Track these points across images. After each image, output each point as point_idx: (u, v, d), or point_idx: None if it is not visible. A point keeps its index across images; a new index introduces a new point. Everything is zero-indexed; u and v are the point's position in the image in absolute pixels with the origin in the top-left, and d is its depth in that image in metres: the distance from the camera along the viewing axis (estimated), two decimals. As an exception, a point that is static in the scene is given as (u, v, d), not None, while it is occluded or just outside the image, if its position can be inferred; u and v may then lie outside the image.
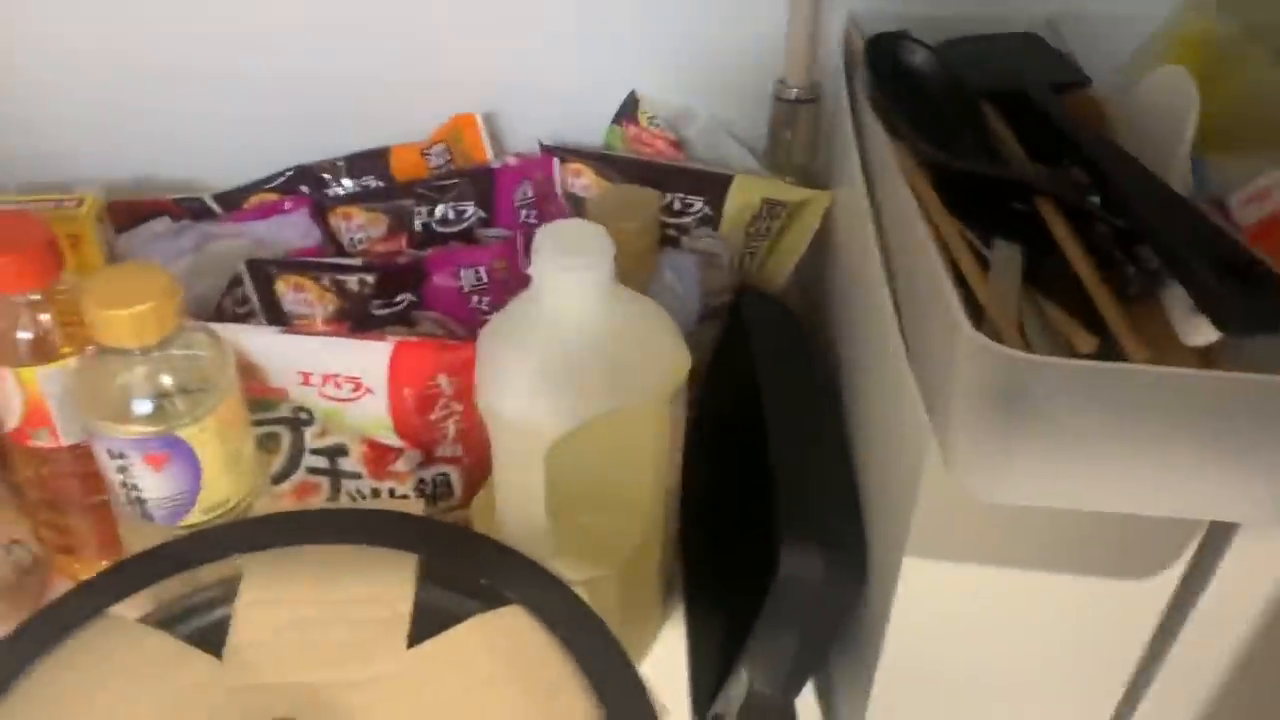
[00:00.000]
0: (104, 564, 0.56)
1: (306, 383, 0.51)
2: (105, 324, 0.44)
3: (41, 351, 0.49)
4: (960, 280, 0.37)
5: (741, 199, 0.58)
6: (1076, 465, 0.30)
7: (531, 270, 0.42)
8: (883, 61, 0.47)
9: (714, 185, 0.59)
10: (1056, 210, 0.38)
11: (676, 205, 0.58)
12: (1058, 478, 0.31)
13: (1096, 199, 0.39)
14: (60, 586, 0.58)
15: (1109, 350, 0.34)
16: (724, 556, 0.58)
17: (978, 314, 0.35)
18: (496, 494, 0.47)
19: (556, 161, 0.61)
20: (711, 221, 0.59)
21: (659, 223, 0.53)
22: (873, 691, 0.44)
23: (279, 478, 0.54)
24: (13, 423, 0.50)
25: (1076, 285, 0.37)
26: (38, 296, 0.48)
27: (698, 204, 0.59)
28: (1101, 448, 0.30)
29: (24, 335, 0.48)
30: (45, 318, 0.49)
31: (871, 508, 0.45)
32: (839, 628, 0.46)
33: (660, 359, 0.45)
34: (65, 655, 0.40)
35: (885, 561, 0.42)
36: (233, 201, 0.62)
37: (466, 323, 0.57)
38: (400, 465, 0.53)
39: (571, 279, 0.41)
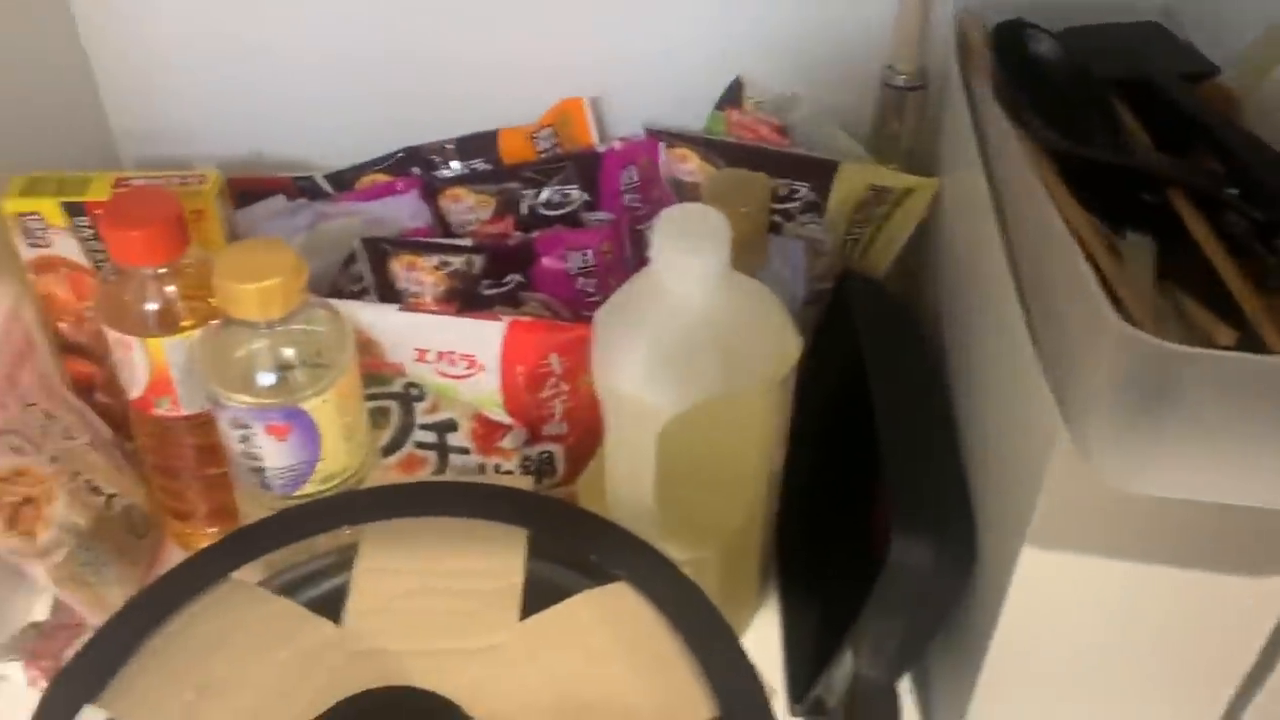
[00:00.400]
0: (213, 531, 0.59)
1: (422, 359, 0.52)
2: (234, 297, 0.46)
3: (166, 323, 0.51)
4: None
5: (848, 185, 0.58)
6: (1220, 457, 0.30)
7: (651, 253, 0.43)
8: (1007, 49, 0.47)
9: (820, 171, 0.59)
10: (1189, 201, 0.37)
11: (782, 191, 0.58)
12: (1200, 469, 0.30)
13: (1234, 190, 0.38)
14: (171, 550, 0.60)
15: (1248, 343, 0.33)
16: (821, 539, 0.58)
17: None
18: (607, 472, 0.48)
19: (662, 146, 0.61)
20: (817, 207, 0.59)
21: (770, 207, 0.53)
22: (979, 681, 0.44)
23: (387, 451, 0.56)
24: (137, 391, 0.52)
25: (1210, 277, 0.36)
26: (165, 269, 0.50)
27: (803, 190, 0.59)
28: (1246, 440, 0.29)
29: (151, 307, 0.50)
30: (171, 290, 0.50)
31: (984, 496, 0.45)
32: (946, 615, 0.46)
33: (772, 343, 0.45)
34: (191, 617, 0.41)
35: (1000, 550, 0.41)
36: (344, 181, 0.64)
37: (572, 304, 0.57)
38: (507, 442, 0.54)
39: (691, 262, 0.42)
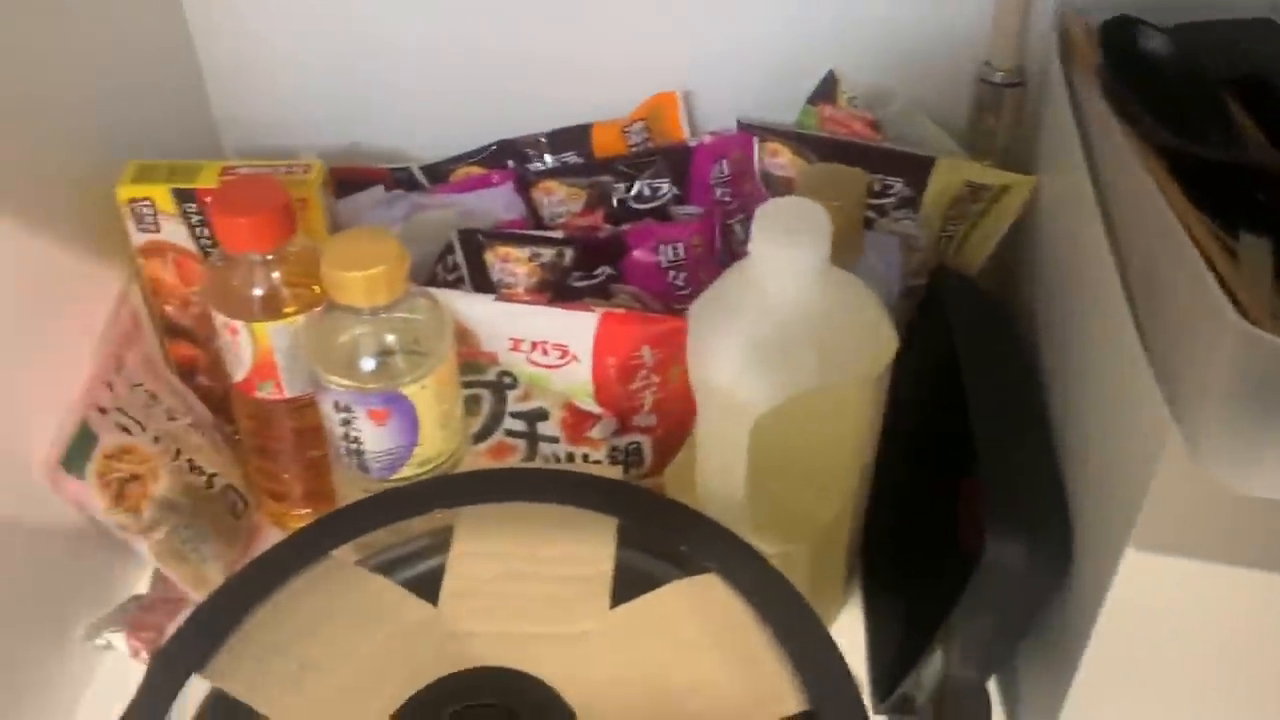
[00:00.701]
0: (307, 512, 0.60)
1: (516, 349, 0.53)
2: (340, 283, 0.47)
3: (272, 308, 0.52)
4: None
5: (943, 181, 0.58)
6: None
7: (749, 246, 0.43)
8: (1116, 46, 0.46)
9: (916, 167, 0.58)
10: (1309, 200, 0.36)
11: (876, 186, 0.58)
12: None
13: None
14: (266, 531, 0.62)
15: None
16: (908, 535, 0.57)
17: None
18: (698, 464, 0.48)
19: (755, 140, 0.62)
20: (912, 203, 0.58)
21: (865, 202, 0.53)
22: (1074, 683, 0.44)
23: (478, 438, 0.57)
24: (241, 374, 0.54)
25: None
26: (271, 256, 0.51)
27: (898, 185, 0.58)
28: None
29: (257, 292, 0.52)
30: (276, 275, 0.52)
31: (1082, 494, 0.44)
32: (1039, 615, 0.45)
33: (868, 339, 0.45)
34: (293, 593, 0.42)
35: (1099, 551, 0.41)
36: (439, 173, 0.65)
37: (662, 297, 0.58)
38: (596, 432, 0.55)
39: (790, 256, 0.42)
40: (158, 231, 0.55)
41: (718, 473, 0.48)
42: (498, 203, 0.61)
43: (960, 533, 0.53)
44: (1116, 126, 0.43)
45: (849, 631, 0.56)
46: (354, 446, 0.51)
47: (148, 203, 0.54)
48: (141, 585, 0.58)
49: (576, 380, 0.53)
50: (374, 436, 0.50)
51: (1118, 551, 0.39)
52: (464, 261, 0.57)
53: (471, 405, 0.56)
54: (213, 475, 0.59)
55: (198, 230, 0.55)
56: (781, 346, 0.43)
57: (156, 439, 0.56)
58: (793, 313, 0.43)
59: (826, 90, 0.63)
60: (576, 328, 0.52)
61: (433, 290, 0.51)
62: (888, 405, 0.50)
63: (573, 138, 0.65)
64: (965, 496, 0.53)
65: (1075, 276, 0.48)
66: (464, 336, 0.53)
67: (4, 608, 0.49)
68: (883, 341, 0.46)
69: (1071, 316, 0.48)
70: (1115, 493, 0.40)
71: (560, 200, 0.63)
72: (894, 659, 0.53)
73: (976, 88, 0.61)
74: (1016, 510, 0.44)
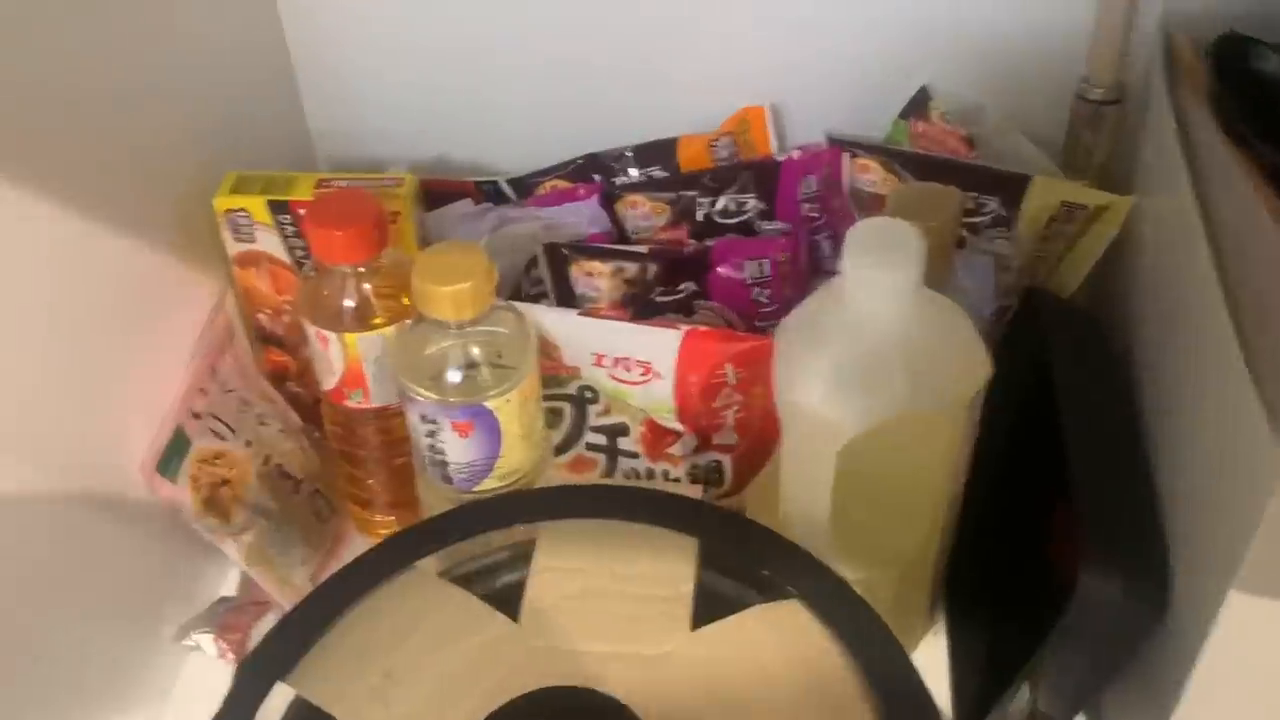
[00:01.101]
0: (391, 519, 0.61)
1: (599, 364, 0.53)
2: (429, 298, 0.48)
3: (362, 319, 0.53)
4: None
5: (1040, 201, 0.56)
6: None
7: (840, 265, 0.42)
8: (1228, 65, 0.44)
9: (1011, 185, 0.57)
10: None
11: (969, 205, 0.57)
12: None
13: None
14: (351, 536, 0.63)
15: None
16: (993, 565, 0.56)
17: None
18: (781, 485, 0.48)
19: (845, 156, 0.61)
20: (1006, 223, 0.57)
21: (959, 222, 0.52)
22: (1168, 727, 0.42)
23: (559, 450, 0.57)
24: (331, 383, 0.55)
25: None
26: (363, 268, 0.52)
27: (992, 204, 0.57)
28: None
29: (348, 303, 0.52)
30: (367, 287, 0.53)
31: (1183, 532, 0.42)
32: (1133, 654, 0.44)
33: (962, 364, 0.44)
34: (377, 603, 0.43)
35: (1201, 591, 0.39)
36: (525, 186, 0.65)
37: (746, 314, 0.57)
38: (676, 449, 0.54)
39: (882, 278, 0.41)
40: (253, 242, 0.57)
41: (801, 495, 0.47)
42: (583, 216, 0.61)
43: (1051, 563, 0.52)
44: (1225, 148, 0.42)
45: (932, 661, 0.55)
46: (438, 458, 0.51)
47: (244, 213, 0.55)
48: (229, 587, 0.59)
49: (658, 397, 0.52)
50: (458, 448, 0.50)
51: (1221, 592, 0.37)
52: (549, 275, 0.58)
53: (553, 418, 0.56)
54: (300, 480, 0.60)
55: (291, 241, 0.56)
56: (872, 370, 0.42)
57: (248, 444, 0.57)
58: (884, 336, 0.42)
59: (919, 105, 0.62)
60: (659, 344, 0.51)
61: (518, 304, 0.51)
62: (981, 422, 0.49)
63: (658, 151, 0.65)
64: (1057, 526, 0.52)
65: (1178, 303, 0.46)
66: (547, 350, 0.53)
67: (99, 605, 0.51)
68: (976, 366, 0.45)
69: (1173, 344, 0.47)
70: (1219, 530, 0.38)
71: (645, 214, 0.63)
72: (978, 692, 0.52)
73: (1074, 104, 0.59)
74: (1113, 543, 0.43)
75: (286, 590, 0.57)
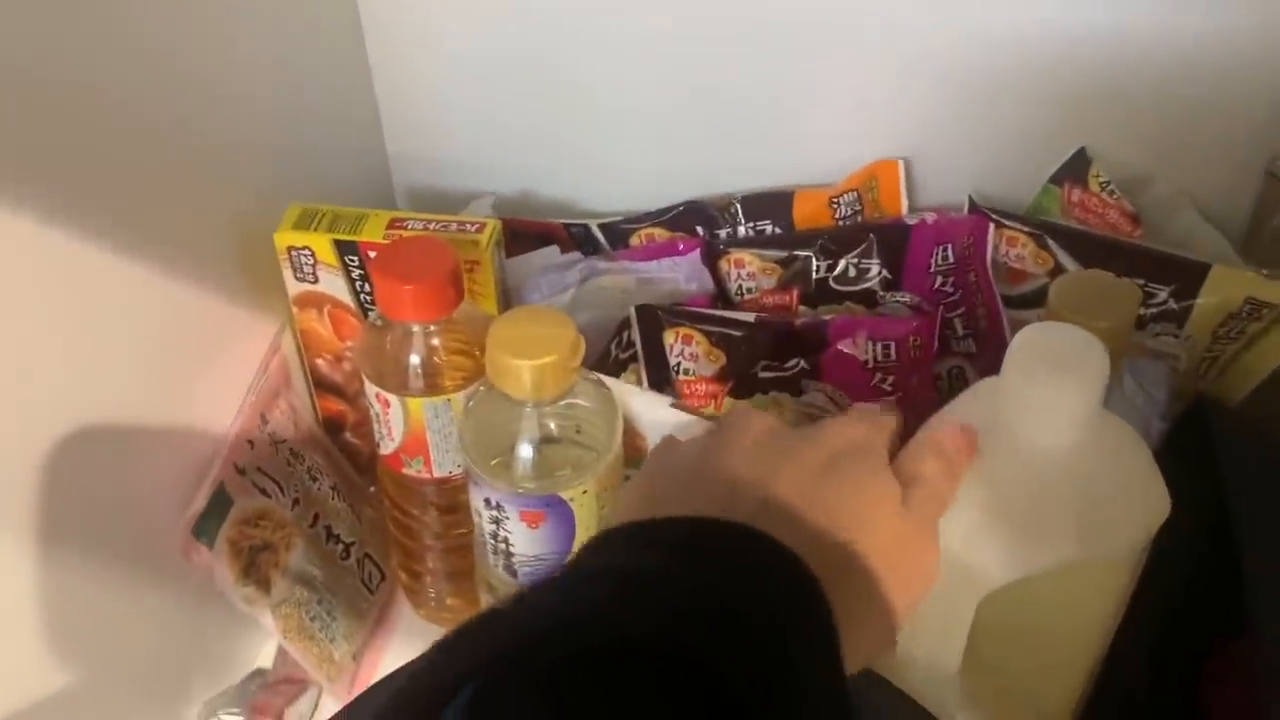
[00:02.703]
0: (449, 594, 0.55)
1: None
2: (506, 372, 0.41)
3: (427, 381, 0.47)
4: None
5: (1220, 294, 0.48)
6: None
7: (1002, 379, 0.35)
8: None
9: (1186, 274, 0.49)
10: None
11: (1133, 294, 0.49)
12: None
13: None
14: (401, 607, 0.57)
15: None
16: (1139, 710, 0.48)
17: None
18: (907, 630, 0.41)
19: (991, 226, 0.53)
20: (1175, 317, 0.49)
21: (1134, 325, 0.44)
22: None
23: (637, 540, 0.50)
24: (389, 448, 0.49)
25: None
26: (433, 326, 0.46)
27: (1162, 294, 0.49)
28: None
29: (414, 361, 0.47)
30: (436, 343, 0.47)
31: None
32: None
33: (1137, 503, 0.37)
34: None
35: None
36: (618, 233, 0.59)
37: (863, 400, 0.50)
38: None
39: (1057, 402, 0.34)
40: (315, 282, 0.51)
41: (931, 637, 0.40)
42: (680, 273, 0.55)
43: (1208, 710, 0.44)
44: None
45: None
46: (502, 547, 0.45)
47: (307, 252, 0.50)
48: (263, 659, 0.54)
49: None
50: (526, 540, 0.44)
51: None
52: (640, 340, 0.51)
53: (634, 503, 0.50)
54: (350, 544, 0.54)
55: (358, 284, 0.50)
56: (1032, 509, 0.35)
57: (295, 502, 0.52)
58: (1051, 468, 0.35)
59: (1075, 170, 0.54)
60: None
61: (605, 379, 0.45)
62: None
63: (771, 204, 0.58)
64: (1218, 668, 0.44)
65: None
66: (630, 434, 0.47)
67: (120, 676, 0.46)
68: (1152, 505, 0.37)
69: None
70: None
71: (751, 274, 0.56)
72: None
73: (1264, 183, 0.51)
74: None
75: (327, 668, 0.52)
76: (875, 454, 0.34)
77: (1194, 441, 0.48)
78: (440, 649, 0.27)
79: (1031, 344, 0.35)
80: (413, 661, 0.28)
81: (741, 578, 0.29)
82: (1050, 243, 0.52)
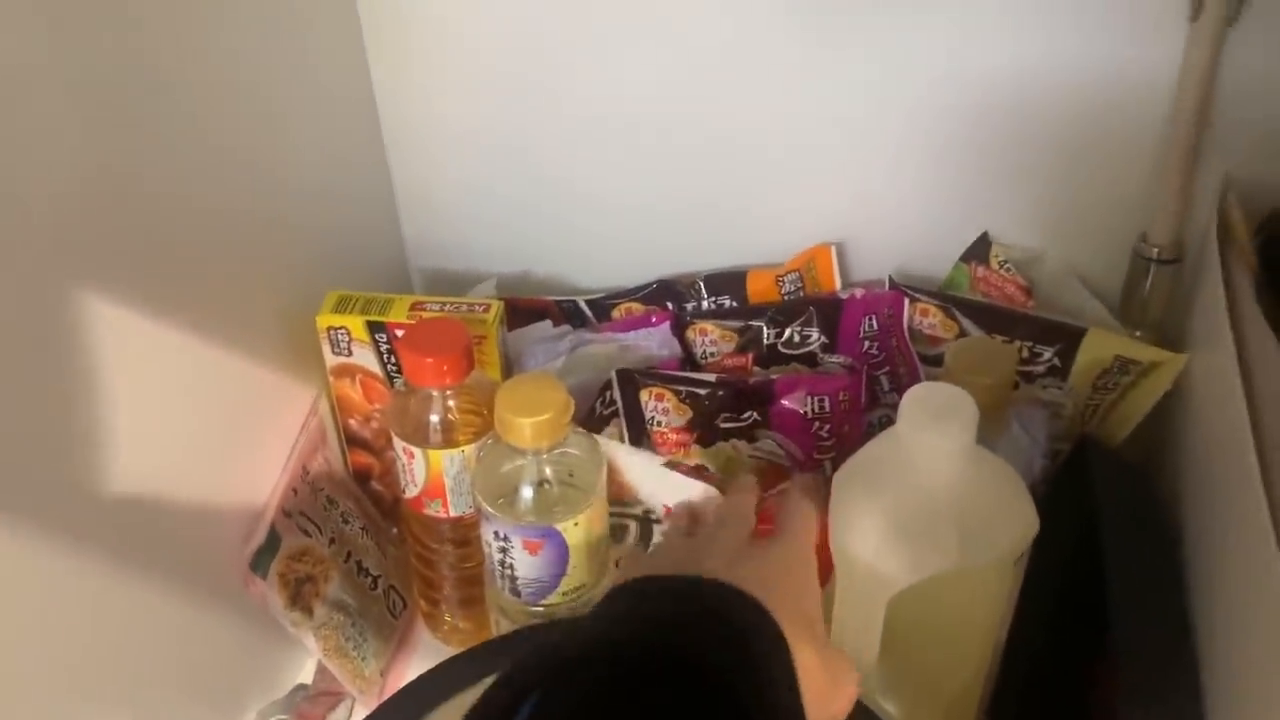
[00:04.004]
0: (461, 619, 0.64)
1: (666, 515, 0.56)
2: (510, 427, 0.51)
3: (445, 436, 0.56)
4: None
5: (1094, 353, 0.58)
6: None
7: (897, 426, 0.45)
8: (1271, 250, 0.47)
9: (1066, 337, 0.59)
10: None
11: (1025, 353, 0.59)
12: None
13: None
14: (418, 631, 0.66)
15: None
16: (1038, 706, 0.57)
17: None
18: (834, 623, 0.50)
19: (906, 300, 0.64)
20: (1059, 372, 0.59)
21: (1014, 379, 0.54)
22: None
23: (621, 565, 0.60)
24: (413, 492, 0.58)
25: None
26: (450, 390, 0.56)
27: (1047, 353, 0.59)
28: None
29: (434, 419, 0.56)
30: (452, 404, 0.56)
31: (1218, 695, 0.44)
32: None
33: (1010, 521, 0.47)
34: (446, 714, 0.46)
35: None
36: (602, 307, 0.69)
37: (804, 447, 0.60)
38: (734, 574, 0.57)
39: (938, 442, 0.44)
40: (349, 355, 0.61)
41: (852, 634, 0.49)
42: (654, 340, 0.65)
43: (1091, 711, 0.53)
44: (1267, 329, 0.44)
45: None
46: (508, 572, 0.54)
47: (344, 330, 0.60)
48: (305, 675, 0.63)
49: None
50: (527, 565, 0.54)
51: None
52: (620, 398, 0.61)
53: (618, 533, 0.59)
54: (377, 577, 0.63)
55: (385, 357, 0.60)
56: (924, 527, 0.45)
57: (331, 541, 0.61)
58: (937, 494, 0.45)
59: (979, 250, 0.65)
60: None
61: (596, 437, 0.55)
62: (1029, 567, 0.51)
63: (728, 282, 0.69)
64: (1099, 673, 0.53)
65: (1219, 467, 0.48)
66: (614, 472, 0.56)
67: (187, 686, 0.54)
68: (1024, 523, 0.47)
69: (1215, 507, 0.49)
70: (1248, 697, 0.40)
71: (713, 341, 0.66)
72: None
73: (1132, 260, 0.62)
74: (1149, 707, 0.44)
75: (359, 682, 0.61)
76: (743, 521, 0.44)
77: (1078, 476, 0.58)
78: (500, 681, 0.35)
79: (917, 399, 0.45)
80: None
81: (734, 610, 0.37)
82: (955, 312, 0.62)
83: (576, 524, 0.53)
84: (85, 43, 0.44)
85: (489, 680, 0.47)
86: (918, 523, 0.45)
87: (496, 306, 0.60)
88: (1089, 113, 0.61)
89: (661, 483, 0.56)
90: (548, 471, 0.54)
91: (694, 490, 0.55)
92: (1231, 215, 0.53)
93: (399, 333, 0.59)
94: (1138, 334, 0.62)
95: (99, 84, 0.45)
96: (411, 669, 0.64)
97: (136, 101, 0.47)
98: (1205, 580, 0.49)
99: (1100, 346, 0.59)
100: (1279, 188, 0.55)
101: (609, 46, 0.65)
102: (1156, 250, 0.60)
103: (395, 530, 0.66)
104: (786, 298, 0.67)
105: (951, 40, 0.61)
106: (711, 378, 0.62)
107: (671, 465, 0.55)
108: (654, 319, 0.66)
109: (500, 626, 0.58)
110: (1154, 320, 0.62)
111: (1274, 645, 0.39)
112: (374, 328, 0.59)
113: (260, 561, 0.57)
